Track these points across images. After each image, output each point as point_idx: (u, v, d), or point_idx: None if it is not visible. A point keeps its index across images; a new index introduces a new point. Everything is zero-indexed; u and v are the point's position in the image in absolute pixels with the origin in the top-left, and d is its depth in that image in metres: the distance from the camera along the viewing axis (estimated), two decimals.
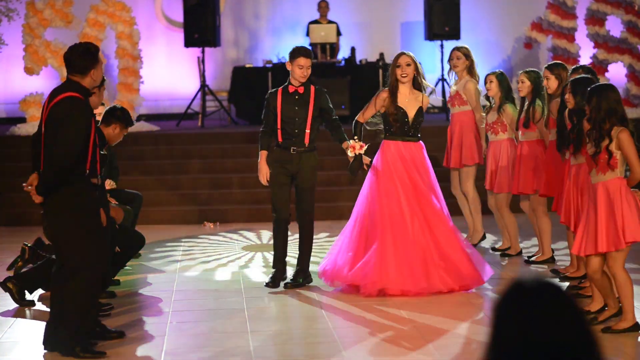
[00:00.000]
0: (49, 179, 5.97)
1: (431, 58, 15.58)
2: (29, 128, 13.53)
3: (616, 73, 14.90)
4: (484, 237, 9.81)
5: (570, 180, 7.44)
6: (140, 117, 14.87)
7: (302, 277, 8.07)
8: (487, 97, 9.30)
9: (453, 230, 7.89)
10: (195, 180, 12.61)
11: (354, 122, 8.10)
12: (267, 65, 15.20)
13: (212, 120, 15.18)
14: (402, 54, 8.07)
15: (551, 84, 8.29)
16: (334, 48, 15.63)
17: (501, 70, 9.44)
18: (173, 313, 7.35)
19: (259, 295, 7.89)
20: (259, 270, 8.88)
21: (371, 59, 15.84)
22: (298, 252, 8.14)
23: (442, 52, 15.16)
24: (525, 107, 8.73)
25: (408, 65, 7.96)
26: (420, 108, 8.00)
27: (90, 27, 14.30)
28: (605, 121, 6.34)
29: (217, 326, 6.97)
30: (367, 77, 14.95)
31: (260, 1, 17.07)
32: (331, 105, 8.07)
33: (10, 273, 8.67)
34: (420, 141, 8.04)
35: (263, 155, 8.01)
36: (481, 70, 9.83)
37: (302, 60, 7.86)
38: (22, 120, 14.21)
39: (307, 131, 7.92)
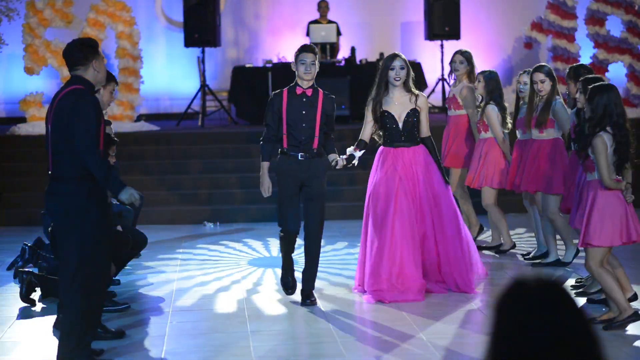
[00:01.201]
0: (101, 172, 5.69)
1: (431, 58, 15.57)
2: (29, 128, 13.54)
3: (616, 73, 14.88)
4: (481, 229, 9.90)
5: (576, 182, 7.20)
6: (140, 117, 14.87)
7: (311, 297, 7.51)
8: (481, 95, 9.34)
9: (453, 235, 7.81)
10: (195, 180, 12.60)
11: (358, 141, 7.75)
12: (267, 65, 15.19)
13: (212, 120, 15.18)
14: (396, 56, 7.74)
15: (545, 86, 8.23)
16: (334, 48, 15.62)
17: (491, 70, 9.31)
18: (173, 313, 7.34)
19: (259, 295, 7.88)
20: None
21: (371, 58, 15.83)
22: (306, 267, 7.53)
23: (442, 52, 15.15)
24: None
25: (402, 68, 7.68)
26: (414, 110, 7.69)
27: (90, 27, 14.29)
28: (601, 122, 6.35)
29: (217, 326, 6.97)
30: (367, 77, 14.83)
31: (260, 1, 17.07)
32: (334, 118, 7.56)
33: (11, 273, 8.68)
34: (420, 145, 7.76)
35: (265, 167, 7.44)
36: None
37: (304, 55, 7.34)
38: (22, 120, 14.20)
39: (317, 136, 7.41)
